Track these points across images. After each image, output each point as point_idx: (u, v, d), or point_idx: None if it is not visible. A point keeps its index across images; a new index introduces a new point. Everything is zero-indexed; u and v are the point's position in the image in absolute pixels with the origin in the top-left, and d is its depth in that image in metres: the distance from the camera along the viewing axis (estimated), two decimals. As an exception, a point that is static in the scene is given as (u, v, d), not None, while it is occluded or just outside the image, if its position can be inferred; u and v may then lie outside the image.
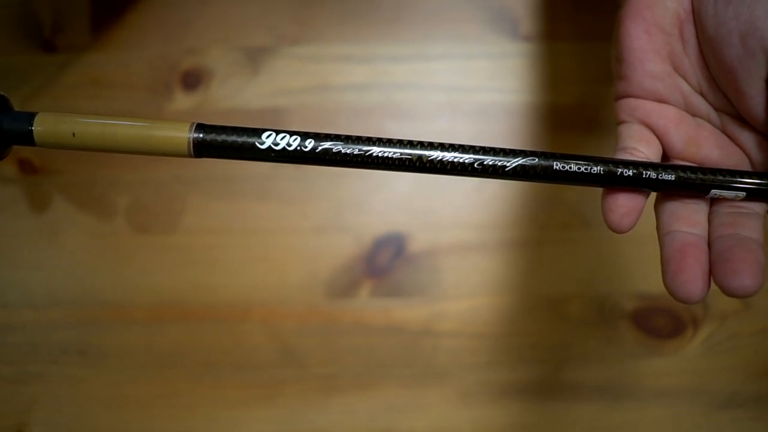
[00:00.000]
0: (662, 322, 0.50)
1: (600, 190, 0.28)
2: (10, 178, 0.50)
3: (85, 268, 0.50)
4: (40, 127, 0.27)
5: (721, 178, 0.27)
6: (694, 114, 0.29)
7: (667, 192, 0.28)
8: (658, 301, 0.50)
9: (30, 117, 0.27)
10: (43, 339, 0.49)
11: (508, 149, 0.27)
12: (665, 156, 0.29)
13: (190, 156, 0.27)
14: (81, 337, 0.49)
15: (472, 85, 0.51)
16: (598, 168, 0.27)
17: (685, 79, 0.29)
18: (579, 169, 0.27)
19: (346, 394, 0.49)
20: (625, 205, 0.27)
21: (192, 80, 0.51)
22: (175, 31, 0.51)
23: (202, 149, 0.27)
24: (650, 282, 0.50)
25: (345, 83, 0.51)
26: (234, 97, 0.51)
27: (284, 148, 0.27)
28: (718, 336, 0.50)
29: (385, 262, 0.50)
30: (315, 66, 0.51)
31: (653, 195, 0.28)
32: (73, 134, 0.27)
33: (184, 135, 0.27)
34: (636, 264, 0.50)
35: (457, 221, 0.50)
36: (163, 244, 0.50)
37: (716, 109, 0.29)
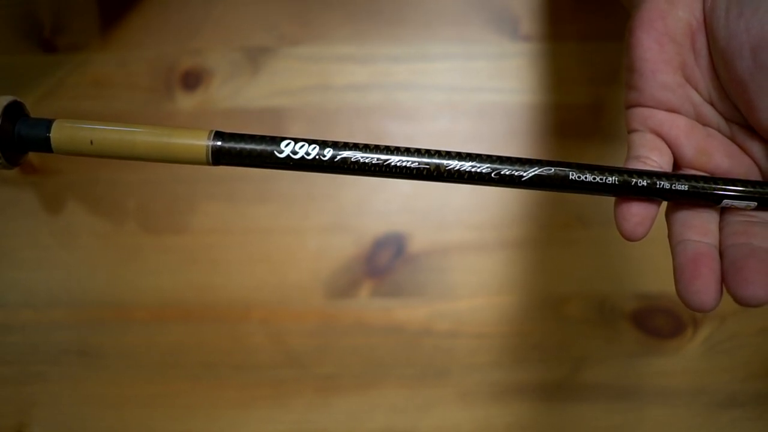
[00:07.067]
0: (662, 322, 0.50)
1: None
2: (9, 178, 0.50)
3: (85, 268, 0.50)
4: (57, 134, 0.27)
5: (733, 188, 0.27)
6: (704, 124, 0.30)
7: (680, 201, 0.28)
8: (658, 301, 0.50)
9: (47, 124, 0.27)
10: (43, 339, 0.49)
11: (525, 159, 0.27)
12: (676, 165, 0.30)
13: (208, 164, 0.27)
14: (81, 337, 0.49)
15: (472, 85, 0.51)
16: (613, 178, 0.27)
17: (696, 90, 0.29)
18: (594, 179, 0.27)
19: (346, 394, 0.49)
20: (638, 213, 0.27)
21: (192, 80, 0.51)
22: (175, 32, 0.51)
23: (220, 157, 0.27)
24: (650, 282, 0.50)
25: (345, 83, 0.51)
26: (234, 97, 0.51)
27: (303, 156, 0.27)
28: (718, 336, 0.50)
29: (385, 262, 0.50)
30: (315, 66, 0.51)
31: (664, 202, 0.29)
32: (91, 142, 0.27)
33: (202, 143, 0.27)
34: (636, 264, 0.50)
35: (457, 221, 0.50)
36: (163, 244, 0.50)
37: (726, 119, 0.29)
